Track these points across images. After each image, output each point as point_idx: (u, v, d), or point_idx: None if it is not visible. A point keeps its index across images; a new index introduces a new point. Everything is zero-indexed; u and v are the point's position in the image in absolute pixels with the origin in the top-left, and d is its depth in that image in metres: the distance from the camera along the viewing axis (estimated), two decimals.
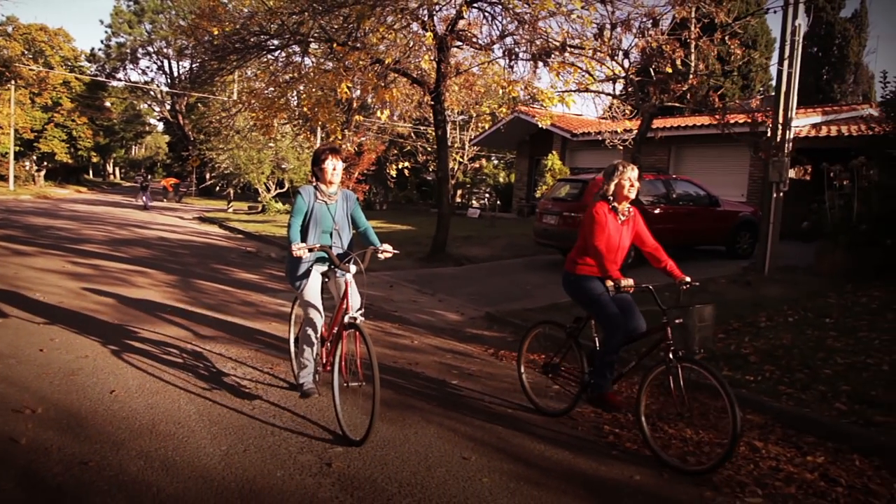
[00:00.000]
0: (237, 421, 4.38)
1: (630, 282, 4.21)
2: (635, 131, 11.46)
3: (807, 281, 9.45)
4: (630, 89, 8.71)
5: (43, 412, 4.28)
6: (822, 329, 6.90)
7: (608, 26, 7.86)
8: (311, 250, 4.35)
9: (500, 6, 10.81)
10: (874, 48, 53.12)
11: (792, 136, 10.34)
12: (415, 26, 11.91)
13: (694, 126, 18.19)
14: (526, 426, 4.73)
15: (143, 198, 30.78)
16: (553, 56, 8.21)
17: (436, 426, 4.54)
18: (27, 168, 42.30)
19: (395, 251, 4.55)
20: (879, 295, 8.09)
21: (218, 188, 35.39)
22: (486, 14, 11.50)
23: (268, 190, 29.39)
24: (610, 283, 4.29)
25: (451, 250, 13.92)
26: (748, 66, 24.26)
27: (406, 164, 24.68)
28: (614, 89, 8.31)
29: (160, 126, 62.73)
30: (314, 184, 4.60)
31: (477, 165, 33.57)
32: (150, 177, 42.67)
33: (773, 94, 10.56)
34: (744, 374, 5.74)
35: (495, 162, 34.67)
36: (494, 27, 12.02)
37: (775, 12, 8.15)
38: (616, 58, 7.91)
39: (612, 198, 4.60)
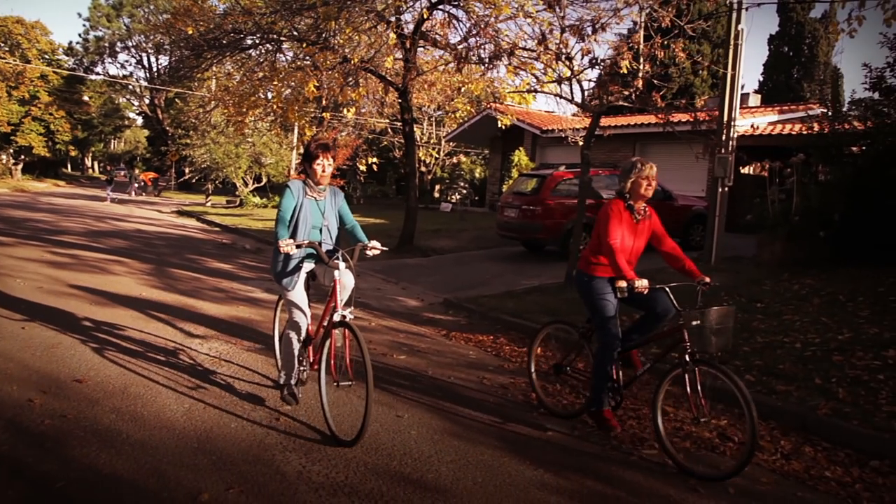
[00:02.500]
0: (200, 385, 4.89)
1: (644, 282, 4.10)
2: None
3: (748, 270, 10.02)
4: (581, 90, 9.24)
5: (26, 377, 4.76)
6: (751, 312, 7.44)
7: (557, 30, 8.39)
8: (298, 246, 4.20)
9: (462, 10, 11.35)
10: (842, 48, 54.29)
11: (735, 135, 10.97)
12: (381, 27, 12.37)
13: (642, 125, 18.72)
14: (459, 393, 5.26)
15: (109, 191, 30.96)
16: (503, 59, 8.74)
17: (377, 392, 5.03)
18: (4, 162, 42.15)
19: (384, 248, 4.49)
20: (811, 283, 8.63)
21: (195, 181, 35.59)
22: (448, 16, 12.02)
23: (245, 184, 29.73)
24: (623, 284, 4.17)
25: (419, 242, 14.39)
26: (716, 65, 24.88)
27: (374, 159, 25.12)
28: (561, 90, 8.80)
29: (139, 120, 62.41)
30: (303, 179, 4.49)
31: (455, 161, 33.96)
32: (136, 172, 42.44)
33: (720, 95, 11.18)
34: (669, 352, 6.28)
35: (473, 157, 35.09)
36: (458, 29, 12.51)
37: (719, 18, 8.71)
38: (561, 61, 8.44)
39: (627, 196, 4.49)
